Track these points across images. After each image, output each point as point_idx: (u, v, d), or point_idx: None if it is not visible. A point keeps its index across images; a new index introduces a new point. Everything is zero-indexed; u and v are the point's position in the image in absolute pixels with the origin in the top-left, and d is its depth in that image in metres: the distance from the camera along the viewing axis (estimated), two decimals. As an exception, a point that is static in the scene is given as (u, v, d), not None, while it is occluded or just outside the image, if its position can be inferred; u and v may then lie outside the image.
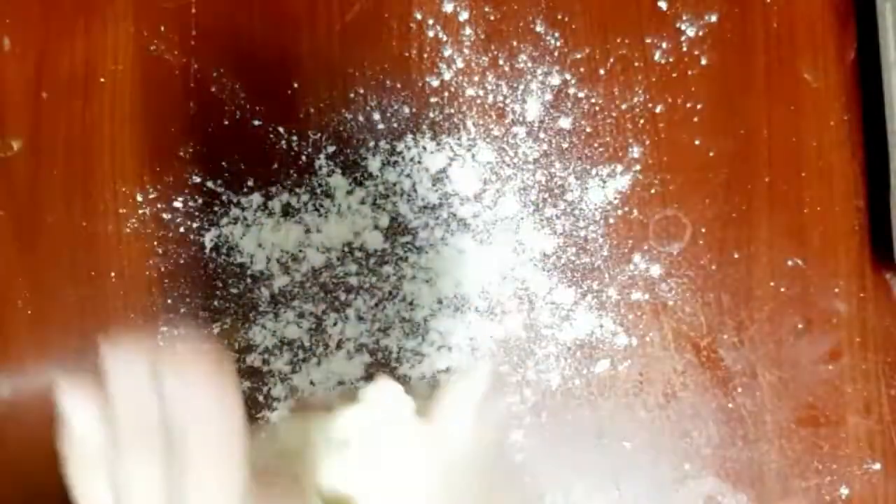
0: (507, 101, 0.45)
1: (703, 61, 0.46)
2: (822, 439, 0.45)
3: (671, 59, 0.45)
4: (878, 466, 0.45)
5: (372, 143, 0.45)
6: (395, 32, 0.46)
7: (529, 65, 0.45)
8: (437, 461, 0.33)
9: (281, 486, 0.32)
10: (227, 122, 0.45)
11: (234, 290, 0.45)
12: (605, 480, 0.45)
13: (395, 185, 0.45)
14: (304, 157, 0.45)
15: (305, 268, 0.45)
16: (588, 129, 0.45)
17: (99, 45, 0.46)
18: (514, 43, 0.45)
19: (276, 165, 0.45)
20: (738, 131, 0.46)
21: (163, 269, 0.45)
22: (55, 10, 0.46)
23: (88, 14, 0.46)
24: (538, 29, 0.45)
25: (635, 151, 0.45)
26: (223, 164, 0.45)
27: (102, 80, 0.46)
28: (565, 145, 0.45)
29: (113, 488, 0.26)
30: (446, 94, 0.45)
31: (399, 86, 0.45)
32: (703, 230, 0.45)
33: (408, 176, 0.45)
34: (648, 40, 0.45)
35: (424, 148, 0.45)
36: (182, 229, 0.46)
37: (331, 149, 0.45)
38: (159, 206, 0.46)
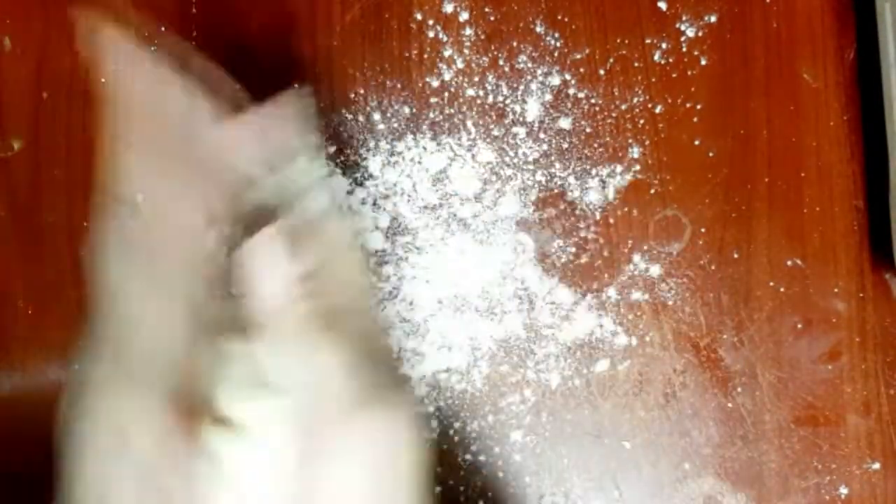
0: (507, 101, 0.45)
1: (703, 61, 0.46)
2: (822, 439, 0.45)
3: (671, 60, 0.45)
4: (877, 466, 0.45)
5: (372, 143, 0.45)
6: (395, 32, 0.46)
7: (529, 65, 0.45)
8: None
9: None
10: (227, 123, 0.45)
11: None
12: (605, 480, 0.45)
13: (395, 185, 0.45)
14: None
15: (306, 268, 0.45)
16: (588, 129, 0.45)
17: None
18: (514, 43, 0.45)
19: (276, 165, 0.45)
20: (738, 131, 0.46)
21: (163, 269, 0.45)
22: (55, 9, 0.46)
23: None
24: (538, 29, 0.45)
25: (635, 151, 0.45)
26: (223, 164, 0.45)
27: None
28: (565, 145, 0.45)
29: None
30: (446, 94, 0.45)
31: (399, 86, 0.45)
32: (703, 230, 0.45)
33: (408, 176, 0.45)
34: (648, 40, 0.45)
35: (424, 148, 0.45)
36: (182, 229, 0.46)
37: (331, 149, 0.45)
38: (159, 206, 0.46)
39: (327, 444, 0.29)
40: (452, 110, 0.45)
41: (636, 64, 0.45)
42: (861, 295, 0.45)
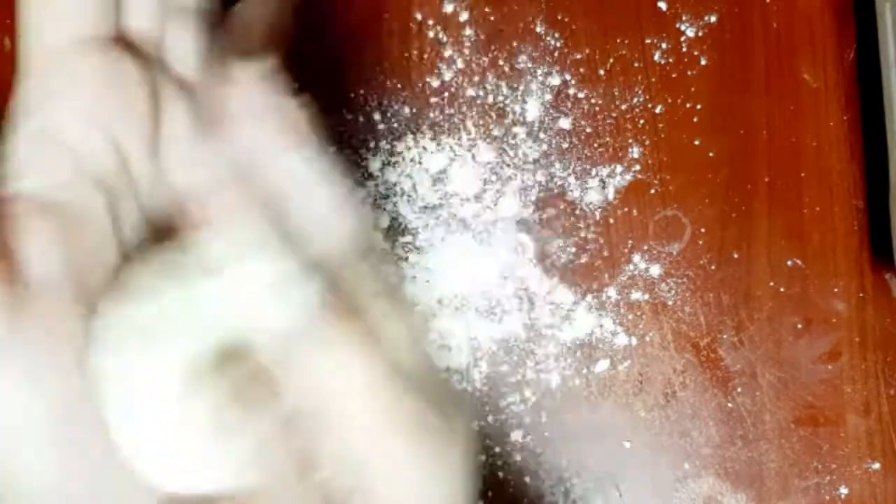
0: (507, 101, 0.45)
1: (703, 61, 0.46)
2: (822, 439, 0.45)
3: (671, 60, 0.45)
4: (877, 466, 0.45)
5: (372, 144, 0.45)
6: (395, 32, 0.46)
7: (529, 65, 0.45)
8: None
9: None
10: (227, 123, 0.45)
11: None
12: (605, 480, 0.45)
13: (395, 185, 0.45)
14: (304, 158, 0.45)
15: (306, 268, 0.45)
16: (588, 129, 0.45)
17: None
18: (514, 43, 0.45)
19: (276, 165, 0.45)
20: (738, 131, 0.46)
21: (163, 269, 0.45)
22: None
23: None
24: (538, 29, 0.45)
25: (635, 151, 0.45)
26: (223, 164, 0.45)
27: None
28: (565, 145, 0.45)
29: None
30: (446, 94, 0.45)
31: (399, 86, 0.45)
32: (703, 230, 0.45)
33: (408, 176, 0.45)
34: (648, 41, 0.45)
35: (424, 148, 0.45)
36: (182, 229, 0.46)
37: (331, 149, 0.45)
38: (159, 206, 0.46)
39: None
40: (452, 110, 0.45)
41: (636, 64, 0.45)
42: (861, 295, 0.45)
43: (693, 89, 0.45)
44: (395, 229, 0.45)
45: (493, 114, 0.45)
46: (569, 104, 0.45)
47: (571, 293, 0.45)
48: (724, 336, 0.45)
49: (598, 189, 0.45)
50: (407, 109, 0.45)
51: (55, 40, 0.23)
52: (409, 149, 0.45)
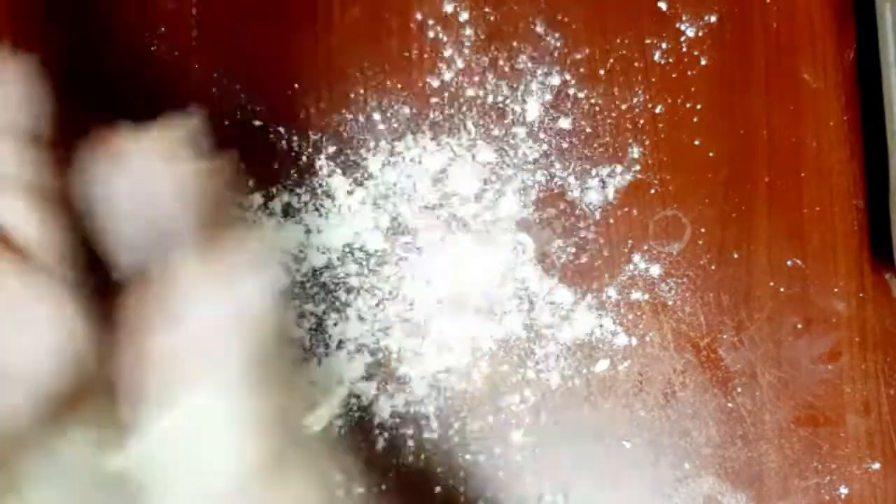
0: (507, 101, 0.45)
1: (703, 61, 0.46)
2: (822, 439, 0.45)
3: (671, 60, 0.46)
4: (877, 466, 0.45)
5: (372, 144, 0.45)
6: (395, 32, 0.46)
7: (529, 65, 0.45)
8: None
9: None
10: (227, 122, 0.45)
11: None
12: (605, 480, 0.45)
13: (395, 185, 0.45)
14: (304, 158, 0.45)
15: (306, 268, 0.45)
16: (588, 129, 0.45)
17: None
18: (514, 43, 0.45)
19: (276, 166, 0.45)
20: (738, 131, 0.46)
21: (163, 269, 0.45)
22: (56, 10, 0.46)
23: (88, 14, 0.46)
24: (538, 29, 0.45)
25: (635, 151, 0.45)
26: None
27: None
28: (565, 145, 0.45)
29: None
30: (446, 94, 0.45)
31: (399, 86, 0.45)
32: (703, 230, 0.45)
33: (408, 176, 0.45)
34: (648, 40, 0.45)
35: (424, 148, 0.45)
36: (182, 229, 0.46)
37: (331, 149, 0.45)
38: (159, 206, 0.46)
39: None
40: (452, 110, 0.45)
41: (636, 64, 0.45)
42: (861, 295, 0.45)
43: (693, 89, 0.46)
44: (395, 229, 0.45)
45: (493, 114, 0.45)
46: (569, 104, 0.45)
47: (571, 293, 0.45)
48: (724, 336, 0.45)
49: (598, 189, 0.45)
50: (407, 109, 0.45)
51: None
52: (409, 149, 0.45)
